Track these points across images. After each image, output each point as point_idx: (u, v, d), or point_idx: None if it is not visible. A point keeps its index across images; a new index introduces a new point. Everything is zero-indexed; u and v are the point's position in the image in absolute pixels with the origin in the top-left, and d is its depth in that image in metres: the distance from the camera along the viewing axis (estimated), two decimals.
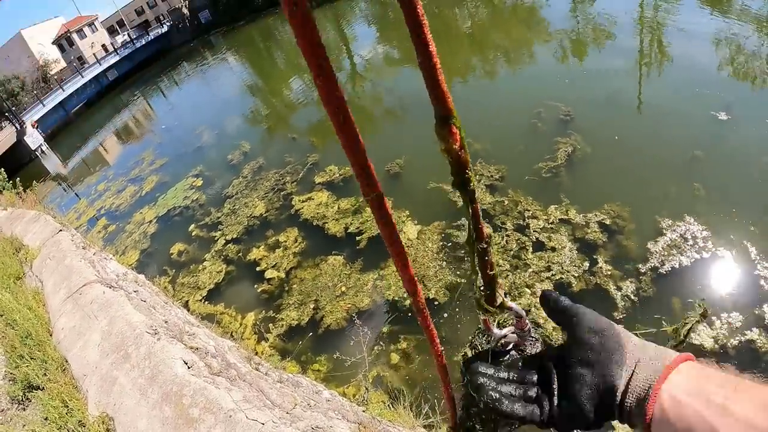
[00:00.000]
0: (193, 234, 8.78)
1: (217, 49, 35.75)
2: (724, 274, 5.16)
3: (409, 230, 6.65)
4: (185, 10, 59.75)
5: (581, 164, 7.00)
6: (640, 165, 6.77)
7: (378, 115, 9.39)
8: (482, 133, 7.85)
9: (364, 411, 3.99)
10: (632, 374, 0.69)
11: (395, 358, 5.29)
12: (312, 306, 6.21)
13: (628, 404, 0.68)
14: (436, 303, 5.67)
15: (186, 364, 3.88)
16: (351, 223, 7.15)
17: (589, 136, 7.34)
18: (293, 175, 8.91)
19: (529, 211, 6.41)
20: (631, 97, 8.30)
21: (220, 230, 8.49)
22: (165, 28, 57.31)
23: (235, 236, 8.15)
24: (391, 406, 4.22)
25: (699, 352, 4.63)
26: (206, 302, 7.05)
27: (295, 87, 11.56)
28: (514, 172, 7.07)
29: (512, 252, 5.98)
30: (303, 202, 8.10)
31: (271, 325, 6.20)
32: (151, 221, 10.06)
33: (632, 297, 5.19)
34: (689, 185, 6.19)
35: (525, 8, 11.88)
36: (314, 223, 7.48)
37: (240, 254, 7.69)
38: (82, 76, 39.45)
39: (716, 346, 4.63)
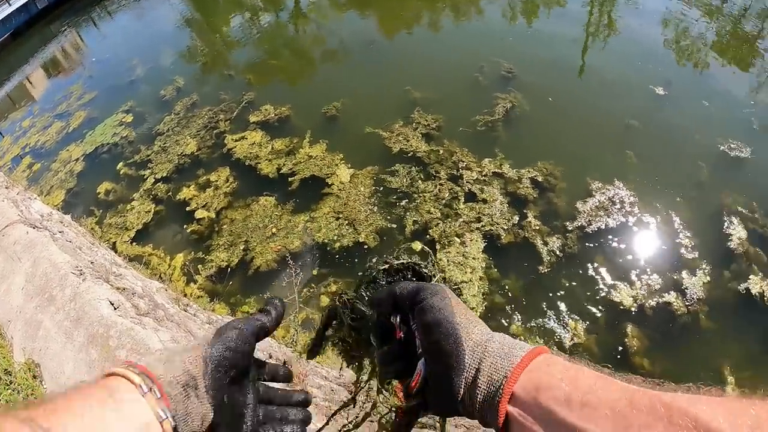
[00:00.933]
0: (122, 173, 8.41)
1: None
2: (647, 239, 5.48)
3: (342, 174, 6.60)
4: None
5: (519, 121, 7.10)
6: (576, 128, 6.94)
7: (318, 57, 9.14)
8: (423, 83, 7.82)
9: (292, 351, 3.99)
10: (475, 379, 0.70)
11: (325, 300, 5.30)
12: (242, 247, 6.13)
13: (478, 405, 0.70)
14: (365, 247, 5.70)
15: (112, 305, 3.78)
16: (284, 164, 7.00)
17: (529, 95, 7.44)
18: (227, 113, 8.59)
19: (463, 162, 6.47)
20: (575, 62, 8.45)
21: (149, 168, 8.15)
22: None
23: (164, 175, 7.84)
24: None
25: (618, 310, 4.86)
26: (134, 243, 6.83)
27: (235, 24, 11.10)
28: (452, 123, 7.10)
29: (444, 201, 6.05)
30: (236, 141, 7.84)
31: (200, 266, 6.08)
32: (77, 159, 9.55)
33: (558, 252, 5.39)
34: (622, 152, 6.43)
35: None
36: (247, 163, 7.28)
37: (170, 194, 7.44)
38: (9, 4, 36.69)
39: (635, 304, 4.88)
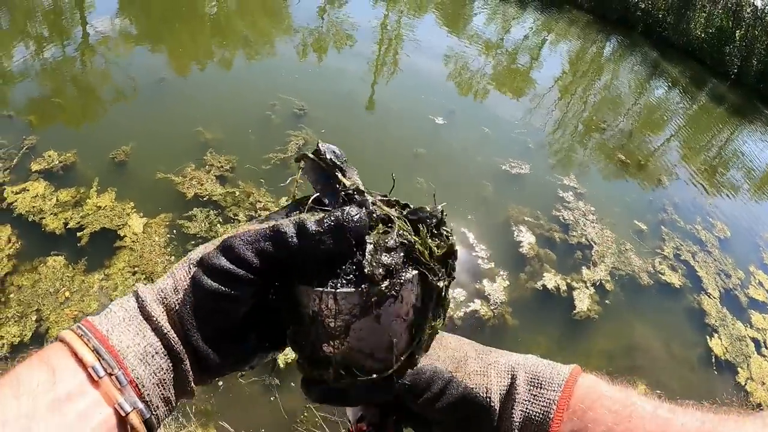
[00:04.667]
0: None
1: None
2: None
3: (134, 224, 6.31)
4: None
5: None
6: (367, 159, 7.39)
7: (106, 96, 8.68)
8: (215, 123, 7.75)
9: None
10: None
11: None
12: (34, 318, 5.45)
13: None
14: None
15: None
16: (71, 218, 6.50)
17: (320, 131, 7.74)
18: (6, 162, 7.79)
19: (261, 202, 6.55)
20: (364, 97, 8.97)
21: None
22: None
23: None
24: None
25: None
26: None
27: (18, 55, 10.19)
28: (246, 164, 7.12)
29: None
30: (17, 194, 7.12)
31: None
32: None
33: None
34: (413, 179, 6.97)
35: (274, 1, 12.04)
36: (30, 219, 6.61)
37: None
38: None
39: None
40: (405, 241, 0.62)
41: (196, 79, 9.28)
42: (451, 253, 0.67)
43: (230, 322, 0.63)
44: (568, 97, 11.07)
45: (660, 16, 15.78)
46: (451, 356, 0.71)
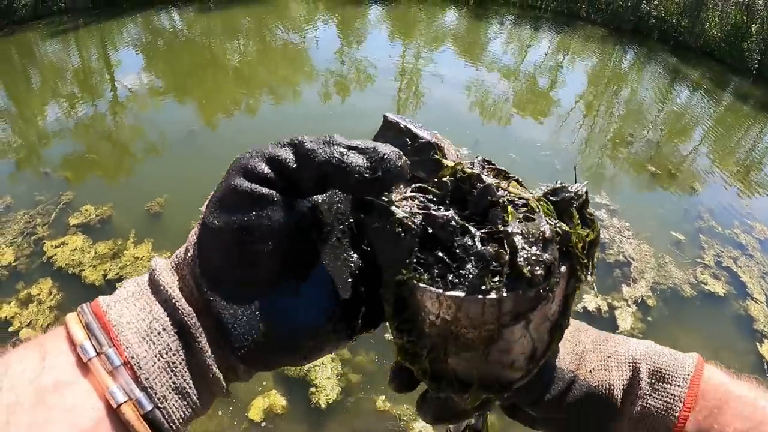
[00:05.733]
0: None
1: None
2: None
3: None
4: None
5: None
6: None
7: (138, 150, 8.96)
8: None
9: None
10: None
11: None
12: None
13: None
14: None
15: None
16: (110, 269, 6.67)
17: None
18: (45, 217, 8.04)
19: None
20: None
21: None
22: None
23: None
24: None
25: None
26: None
27: (51, 114, 10.59)
28: None
29: None
30: (56, 247, 7.34)
31: None
32: None
33: None
34: None
35: (294, 48, 12.27)
36: (70, 272, 6.80)
37: None
38: None
39: None
40: (560, 231, 0.50)
41: (224, 128, 9.51)
42: (597, 243, 0.56)
43: (254, 267, 0.49)
44: (592, 113, 10.98)
45: (674, 20, 15.64)
46: (570, 351, 0.63)
